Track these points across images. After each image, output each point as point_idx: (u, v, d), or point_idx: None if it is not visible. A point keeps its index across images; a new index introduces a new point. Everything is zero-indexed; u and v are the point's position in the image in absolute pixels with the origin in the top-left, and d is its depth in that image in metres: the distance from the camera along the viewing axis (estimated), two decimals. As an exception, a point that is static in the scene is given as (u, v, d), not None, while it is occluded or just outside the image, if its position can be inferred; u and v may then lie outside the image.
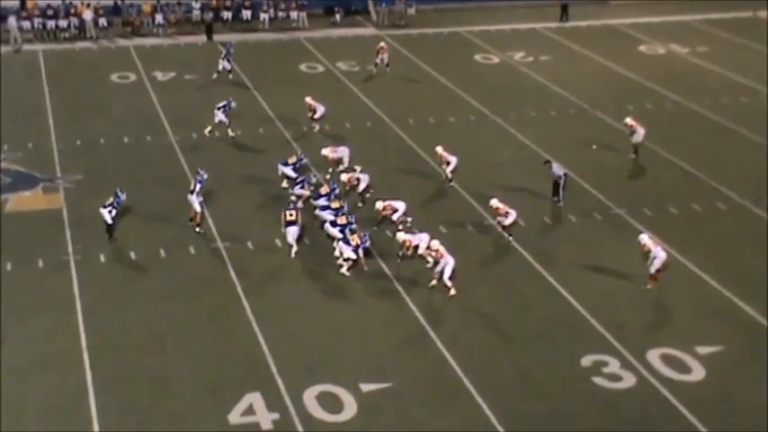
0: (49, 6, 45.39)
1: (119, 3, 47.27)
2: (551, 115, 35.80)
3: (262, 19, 47.28)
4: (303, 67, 41.39)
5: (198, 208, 25.95)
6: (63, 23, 45.17)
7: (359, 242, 24.11)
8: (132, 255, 25.02)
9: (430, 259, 23.64)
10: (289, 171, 28.30)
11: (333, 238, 24.80)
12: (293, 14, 47.99)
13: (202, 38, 45.30)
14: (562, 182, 28.03)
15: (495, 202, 25.84)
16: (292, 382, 19.75)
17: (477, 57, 43.38)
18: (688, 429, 18.75)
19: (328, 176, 28.80)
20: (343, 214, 25.46)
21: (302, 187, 27.36)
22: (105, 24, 45.52)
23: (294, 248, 24.91)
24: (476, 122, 35.03)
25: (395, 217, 25.81)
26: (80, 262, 24.59)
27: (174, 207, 27.12)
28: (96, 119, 34.63)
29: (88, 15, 45.16)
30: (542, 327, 22.06)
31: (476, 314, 22.57)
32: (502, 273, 24.55)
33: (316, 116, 33.33)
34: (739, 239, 26.36)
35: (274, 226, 26.29)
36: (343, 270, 24.02)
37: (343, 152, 29.57)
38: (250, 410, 18.95)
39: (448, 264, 23.01)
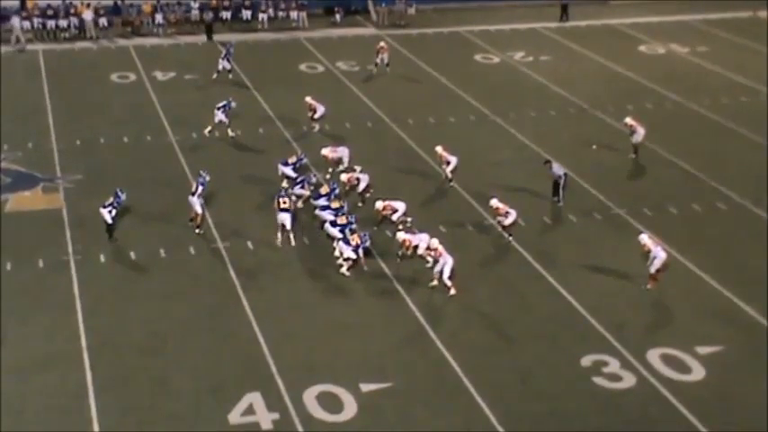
0: (49, 6, 45.39)
1: (119, 3, 47.26)
2: (551, 115, 35.81)
3: (260, 19, 47.28)
4: (303, 67, 41.40)
5: (199, 210, 25.95)
6: (63, 23, 45.18)
7: (359, 242, 24.11)
8: (132, 255, 25.03)
9: (429, 259, 23.64)
10: (289, 171, 28.30)
11: (333, 238, 24.80)
12: (293, 14, 47.99)
13: (202, 38, 45.30)
14: (562, 182, 28.04)
15: (495, 202, 25.85)
16: (292, 382, 19.75)
17: (477, 57, 43.38)
18: (688, 429, 18.76)
19: (328, 176, 28.80)
20: (343, 214, 25.46)
21: (302, 187, 27.37)
22: (106, 24, 45.55)
23: (290, 236, 25.24)
24: (476, 122, 35.04)
25: (395, 217, 25.81)
26: (80, 262, 24.59)
27: (174, 207, 27.13)
28: (96, 119, 34.63)
29: (88, 15, 45.16)
30: (542, 327, 22.07)
31: (476, 314, 22.58)
32: (502, 273, 24.55)
33: (316, 116, 33.33)
34: (739, 239, 26.37)
35: (274, 226, 26.30)
36: (343, 270, 24.03)
37: (342, 152, 29.57)
38: (250, 410, 18.95)
39: (447, 263, 23.02)
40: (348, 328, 21.96)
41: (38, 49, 43.28)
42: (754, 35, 46.40)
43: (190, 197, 26.07)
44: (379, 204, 25.78)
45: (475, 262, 24.76)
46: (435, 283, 23.31)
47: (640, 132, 31.03)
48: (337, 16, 48.63)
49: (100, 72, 40.10)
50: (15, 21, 43.76)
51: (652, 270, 23.33)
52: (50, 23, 45.17)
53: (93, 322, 21.94)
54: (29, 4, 45.70)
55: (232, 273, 24.19)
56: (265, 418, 18.78)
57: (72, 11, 45.45)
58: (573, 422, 18.88)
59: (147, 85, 38.62)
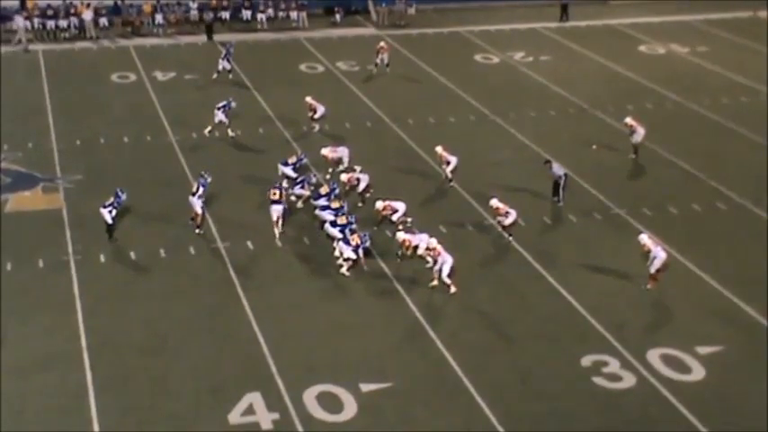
0: (49, 6, 45.41)
1: (119, 3, 47.26)
2: (551, 115, 35.81)
3: (259, 19, 47.29)
4: (303, 67, 41.40)
5: (199, 210, 25.95)
6: (63, 23, 45.19)
7: (359, 242, 24.11)
8: (132, 255, 25.03)
9: (429, 259, 23.64)
10: (289, 171, 28.30)
11: (333, 239, 24.80)
12: (293, 14, 48.01)
13: (202, 38, 45.31)
14: (562, 182, 28.03)
15: (495, 202, 25.85)
16: (292, 382, 19.75)
17: (478, 57, 43.39)
18: (688, 429, 18.76)
19: (328, 176, 28.80)
20: (343, 214, 25.46)
21: (302, 187, 27.38)
22: (107, 24, 45.56)
23: (278, 231, 25.48)
24: (476, 122, 35.04)
25: (395, 217, 25.81)
26: (80, 262, 24.59)
27: (174, 207, 27.12)
28: (96, 119, 34.63)
29: (88, 15, 45.16)
30: (542, 327, 22.07)
31: (476, 314, 22.58)
32: (502, 273, 24.55)
33: (316, 116, 33.34)
34: (739, 239, 26.36)
35: (270, 223, 26.32)
36: (343, 270, 24.03)
37: (342, 152, 29.57)
38: (250, 410, 18.95)
39: (446, 262, 23.03)
40: (348, 328, 21.96)
41: (38, 49, 43.28)
42: (754, 35, 46.40)
43: (190, 197, 26.07)
44: (379, 204, 25.78)
45: (475, 262, 24.76)
46: (435, 282, 23.32)
47: (640, 132, 31.03)
48: (337, 16, 48.63)
49: (100, 72, 40.11)
50: (19, 20, 43.79)
51: (652, 270, 23.33)
52: (50, 23, 45.17)
53: (93, 322, 21.94)
54: (29, 4, 45.70)
55: (232, 273, 24.20)
56: (265, 418, 18.77)
57: (72, 11, 45.46)
58: (573, 422, 18.88)
59: (147, 85, 38.63)
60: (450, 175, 29.00)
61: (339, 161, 29.44)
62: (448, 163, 28.89)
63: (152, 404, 19.18)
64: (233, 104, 32.94)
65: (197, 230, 25.94)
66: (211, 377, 19.99)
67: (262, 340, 21.31)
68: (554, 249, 25.58)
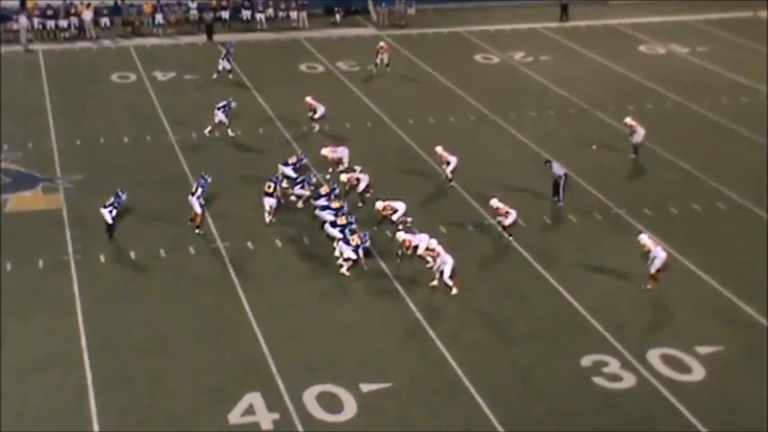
0: (48, 6, 45.40)
1: (119, 3, 47.26)
2: (551, 115, 35.81)
3: (259, 19, 47.29)
4: (303, 67, 41.40)
5: (198, 210, 25.96)
6: (63, 23, 45.19)
7: (359, 242, 24.11)
8: (132, 255, 25.03)
9: (429, 259, 23.63)
10: (289, 171, 28.30)
11: (333, 238, 24.80)
12: (293, 14, 48.02)
13: (202, 38, 45.32)
14: (562, 182, 28.03)
15: (495, 202, 25.85)
16: (292, 382, 19.75)
17: (477, 57, 43.39)
18: (688, 429, 18.75)
19: (328, 176, 28.80)
20: (343, 214, 25.46)
21: (302, 187, 27.38)
22: (108, 24, 45.59)
23: (268, 218, 26.27)
24: (476, 122, 35.04)
25: (395, 217, 25.81)
26: (80, 262, 24.59)
27: (174, 207, 27.12)
28: (96, 119, 34.64)
29: (88, 15, 45.16)
30: (542, 327, 22.06)
31: (476, 314, 22.58)
32: (502, 273, 24.55)
33: (316, 116, 33.34)
34: (739, 239, 26.36)
35: (275, 226, 26.34)
36: (343, 270, 24.03)
37: (342, 152, 29.56)
38: (250, 410, 18.95)
39: (446, 263, 23.02)
40: (348, 328, 21.96)
41: (38, 49, 43.29)
42: (754, 35, 46.40)
43: (190, 197, 26.07)
44: (380, 204, 25.78)
45: (475, 262, 24.76)
46: (435, 283, 23.31)
47: (640, 132, 31.03)
48: (337, 16, 48.63)
49: (100, 72, 40.12)
50: (23, 20, 43.81)
51: (652, 270, 23.32)
52: (50, 23, 45.18)
53: (93, 322, 21.94)
54: (29, 4, 45.70)
55: (232, 273, 24.20)
56: (265, 418, 18.77)
57: (72, 11, 45.46)
58: (573, 422, 18.88)
59: (147, 85, 38.63)
60: (450, 175, 29.00)
61: (339, 161, 29.44)
62: (448, 163, 28.89)
63: (152, 404, 19.18)
64: (233, 104, 32.94)
65: (197, 230, 25.94)
66: (211, 377, 19.99)
67: (262, 340, 21.31)
68: (554, 249, 25.58)
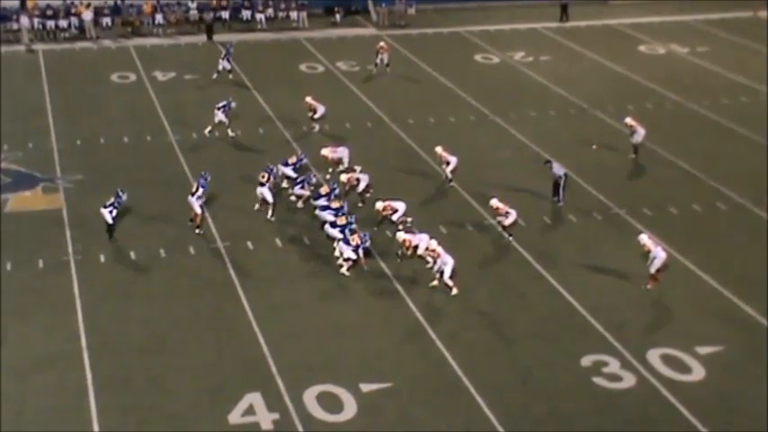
0: (48, 6, 45.41)
1: (119, 3, 47.27)
2: (551, 115, 35.81)
3: (258, 19, 47.29)
4: (303, 67, 41.41)
5: (198, 210, 25.97)
6: (63, 23, 45.20)
7: (359, 242, 24.11)
8: (132, 255, 25.03)
9: (430, 259, 23.62)
10: (289, 171, 28.29)
11: (333, 239, 24.80)
12: (293, 14, 48.02)
13: (202, 38, 45.32)
14: (562, 182, 28.03)
15: (495, 202, 25.84)
16: (292, 382, 19.75)
17: (477, 57, 43.39)
18: (688, 429, 18.75)
19: (328, 176, 28.80)
20: (343, 214, 25.46)
21: (302, 187, 27.38)
22: (110, 24, 45.61)
23: (257, 206, 26.80)
24: (476, 122, 35.04)
25: (395, 217, 25.80)
26: (80, 262, 24.59)
27: (174, 207, 27.12)
28: (96, 119, 34.65)
29: (88, 15, 45.16)
30: (542, 327, 22.06)
31: (476, 314, 22.58)
32: (502, 273, 24.55)
33: (316, 116, 33.34)
34: (739, 239, 26.36)
35: (274, 226, 26.34)
36: (343, 270, 24.03)
37: (342, 152, 29.56)
38: (250, 410, 18.95)
39: (447, 264, 23.02)
40: (348, 328, 21.96)
41: (38, 49, 43.29)
42: (754, 35, 46.40)
43: (189, 197, 26.08)
44: (380, 205, 25.78)
45: (475, 262, 24.76)
46: (435, 283, 23.31)
47: (640, 132, 31.02)
48: (337, 16, 48.63)
49: (100, 72, 40.12)
50: (25, 20, 43.81)
51: (652, 270, 23.32)
52: (50, 23, 45.18)
53: (93, 322, 21.94)
54: (29, 4, 45.70)
55: (232, 273, 24.20)
56: (265, 418, 18.77)
57: (72, 11, 45.47)
58: (573, 422, 18.88)
59: (147, 85, 38.63)
60: (450, 175, 29.00)
61: (339, 161, 29.44)
62: (448, 163, 28.89)
63: (152, 404, 19.18)
64: (233, 104, 32.95)
65: (197, 230, 25.94)
66: (211, 377, 19.99)
67: (262, 340, 21.31)
68: (554, 249, 25.58)
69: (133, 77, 39.59)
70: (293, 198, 27.54)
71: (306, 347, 21.10)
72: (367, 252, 24.44)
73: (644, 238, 23.79)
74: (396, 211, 25.84)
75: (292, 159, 28.80)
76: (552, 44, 45.39)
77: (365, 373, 20.10)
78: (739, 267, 24.72)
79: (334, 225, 25.07)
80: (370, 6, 49.97)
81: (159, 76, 39.68)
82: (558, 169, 28.26)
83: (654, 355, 20.92)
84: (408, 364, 20.58)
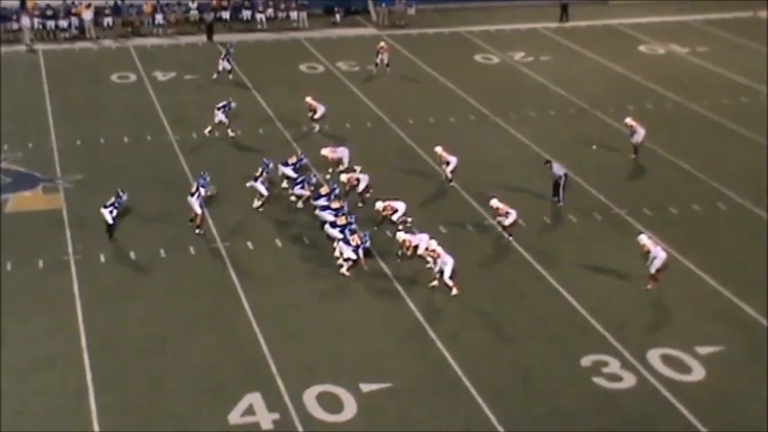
0: (48, 6, 45.41)
1: (119, 3, 47.26)
2: (551, 115, 35.81)
3: (259, 19, 47.29)
4: (303, 67, 41.40)
5: (198, 210, 25.97)
6: (63, 23, 45.20)
7: (359, 242, 24.11)
8: (132, 255, 25.03)
9: (430, 259, 23.62)
10: (289, 171, 28.29)
11: (333, 239, 24.80)
12: (293, 14, 48.00)
13: (202, 38, 45.31)
14: (562, 182, 28.04)
15: (495, 202, 25.85)
16: (292, 382, 19.75)
17: (478, 57, 43.39)
18: (688, 429, 18.76)
19: (328, 176, 28.80)
20: (343, 214, 25.47)
21: (302, 187, 27.39)
22: (111, 24, 45.61)
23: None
24: (476, 122, 35.04)
25: (395, 217, 25.81)
26: (80, 262, 24.59)
27: (174, 207, 27.12)
28: (96, 119, 34.64)
29: (88, 15, 45.16)
30: (542, 327, 22.07)
31: (476, 314, 22.58)
32: (502, 273, 24.55)
33: (316, 116, 33.34)
34: (739, 239, 26.36)
35: (274, 226, 26.34)
36: (343, 270, 24.03)
37: (342, 152, 29.57)
38: (250, 410, 18.96)
39: (447, 264, 23.02)
40: (348, 328, 21.96)
41: (38, 49, 43.29)
42: (754, 35, 46.41)
43: (189, 197, 26.08)
44: (380, 205, 25.78)
45: (475, 262, 24.76)
46: (435, 283, 23.31)
47: (640, 133, 31.02)
48: (337, 16, 48.62)
49: (100, 72, 40.10)
50: (26, 20, 43.82)
51: (652, 270, 23.33)
52: (50, 23, 45.18)
53: (93, 322, 21.94)
54: (29, 4, 45.69)
55: (232, 273, 24.20)
56: (265, 418, 18.78)
57: (72, 11, 45.47)
58: (573, 422, 18.88)
59: (147, 85, 38.63)
60: (450, 176, 29.00)
61: (339, 161, 29.44)
62: (448, 163, 28.90)
63: (152, 404, 19.18)
64: (233, 104, 32.94)
65: (197, 230, 25.94)
66: (211, 377, 19.99)
67: (262, 340, 21.31)
68: (554, 249, 25.58)
69: (133, 77, 39.58)
70: (293, 198, 27.54)
71: (306, 347, 21.11)
72: (367, 252, 24.44)
73: (644, 239, 23.80)
74: (396, 211, 25.85)
75: (292, 159, 28.79)
76: (552, 44, 45.39)
77: (365, 373, 20.11)
78: (739, 267, 24.73)
79: (334, 225, 25.08)
80: (370, 6, 49.97)
81: (159, 76, 39.67)
82: (558, 169, 28.27)
83: (654, 355, 20.92)
84: (408, 365, 20.58)
